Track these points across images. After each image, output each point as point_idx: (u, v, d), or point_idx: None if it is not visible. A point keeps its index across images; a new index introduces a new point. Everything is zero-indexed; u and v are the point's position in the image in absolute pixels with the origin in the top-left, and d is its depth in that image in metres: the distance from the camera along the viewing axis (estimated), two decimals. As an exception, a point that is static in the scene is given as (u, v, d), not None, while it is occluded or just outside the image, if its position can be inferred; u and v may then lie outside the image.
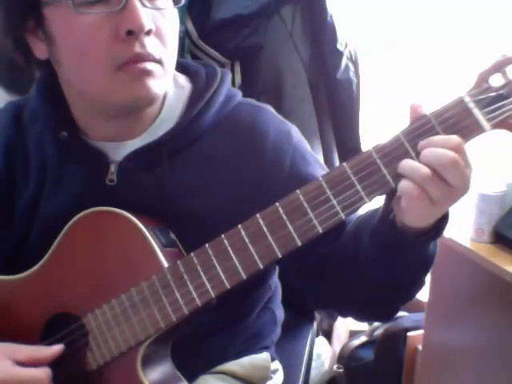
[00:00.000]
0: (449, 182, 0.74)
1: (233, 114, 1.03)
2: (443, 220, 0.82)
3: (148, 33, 0.90)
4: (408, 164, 0.76)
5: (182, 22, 1.68)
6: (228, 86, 1.05)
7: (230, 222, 0.88)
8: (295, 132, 1.05)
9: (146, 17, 0.88)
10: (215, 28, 1.67)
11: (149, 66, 0.91)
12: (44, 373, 0.93)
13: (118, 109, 0.96)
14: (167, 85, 0.97)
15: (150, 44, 0.90)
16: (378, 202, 0.84)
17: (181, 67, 1.06)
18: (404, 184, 0.76)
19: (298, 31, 1.73)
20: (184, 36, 1.69)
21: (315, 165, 1.03)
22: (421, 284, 0.92)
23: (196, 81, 1.04)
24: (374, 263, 0.88)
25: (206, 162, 1.00)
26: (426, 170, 0.74)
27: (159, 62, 0.92)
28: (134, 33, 0.88)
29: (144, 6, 0.89)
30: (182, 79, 1.05)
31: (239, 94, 1.07)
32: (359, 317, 1.05)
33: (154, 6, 0.91)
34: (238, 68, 1.73)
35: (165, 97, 1.02)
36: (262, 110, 1.06)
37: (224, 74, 1.06)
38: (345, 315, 1.03)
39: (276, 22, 1.71)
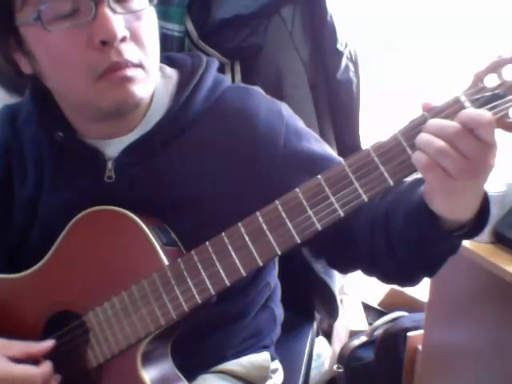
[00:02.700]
0: (464, 153, 0.72)
1: (222, 98, 1.03)
2: (481, 218, 0.81)
3: (123, 40, 0.89)
4: (423, 137, 0.74)
5: (182, 22, 1.67)
6: (214, 72, 1.05)
7: (229, 207, 0.88)
8: (286, 110, 1.06)
9: (118, 24, 0.88)
10: (215, 28, 1.67)
11: (129, 72, 0.90)
12: (37, 370, 0.93)
13: (106, 114, 0.96)
14: (152, 86, 0.97)
15: (127, 50, 0.90)
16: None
17: (168, 60, 1.07)
18: (418, 156, 0.74)
19: (298, 31, 1.73)
20: (184, 36, 1.68)
21: (310, 139, 1.03)
22: (443, 264, 0.91)
23: (182, 70, 1.05)
24: (404, 244, 0.87)
25: (200, 148, 1.01)
26: (439, 142, 0.72)
27: (139, 65, 0.92)
28: (108, 42, 0.88)
29: (115, 12, 0.88)
30: (169, 70, 1.06)
31: (227, 80, 1.07)
32: (384, 281, 1.03)
33: (127, 10, 0.90)
34: (237, 68, 1.72)
35: (154, 90, 1.02)
36: (251, 91, 1.06)
37: (210, 60, 1.06)
38: (369, 276, 1.02)
39: (276, 22, 1.71)
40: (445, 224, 0.81)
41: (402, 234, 0.86)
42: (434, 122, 0.74)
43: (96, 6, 0.87)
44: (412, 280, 0.96)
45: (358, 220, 0.93)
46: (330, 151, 1.03)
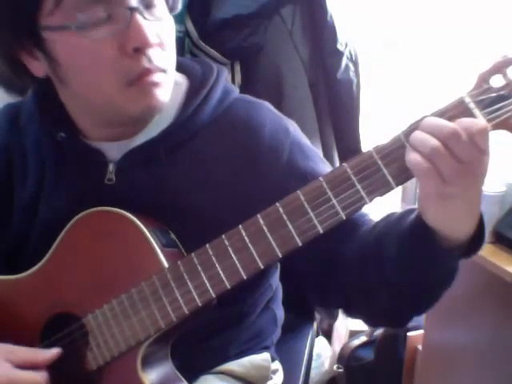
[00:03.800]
0: (458, 156, 0.72)
1: (229, 109, 1.03)
2: (478, 239, 0.81)
3: (153, 46, 0.90)
4: (418, 136, 0.74)
5: (182, 22, 1.68)
6: (224, 83, 1.05)
7: (229, 218, 0.88)
8: (293, 127, 1.05)
9: (150, 31, 0.89)
10: (215, 28, 1.67)
11: (156, 77, 0.92)
12: (42, 377, 0.93)
13: (129, 119, 0.97)
14: (170, 90, 0.97)
15: (156, 56, 0.91)
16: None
17: (176, 65, 1.07)
18: (412, 156, 0.74)
19: (298, 31, 1.73)
20: (184, 36, 1.69)
21: (315, 159, 1.02)
22: (439, 298, 0.90)
23: (192, 78, 1.05)
24: (399, 272, 0.85)
25: (204, 159, 1.00)
26: (435, 142, 0.72)
27: (164, 71, 0.93)
28: (140, 49, 0.89)
29: (146, 19, 0.89)
30: (178, 76, 1.05)
31: (236, 90, 1.07)
32: (369, 320, 1.01)
33: (154, 18, 0.91)
34: (237, 68, 1.73)
35: None
36: (258, 105, 1.06)
37: (220, 70, 1.06)
38: (353, 316, 1.02)
39: (276, 22, 1.71)
40: (439, 242, 0.80)
41: (395, 259, 0.85)
42: (430, 122, 0.74)
43: (131, 13, 0.88)
44: (400, 316, 0.94)
45: (348, 249, 0.93)
46: None
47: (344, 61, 1.75)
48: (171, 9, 0.96)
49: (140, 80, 0.91)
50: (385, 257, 0.86)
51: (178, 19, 1.67)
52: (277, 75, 1.73)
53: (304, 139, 1.06)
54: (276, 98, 1.71)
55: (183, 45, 1.69)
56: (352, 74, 1.78)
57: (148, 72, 0.91)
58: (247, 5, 1.66)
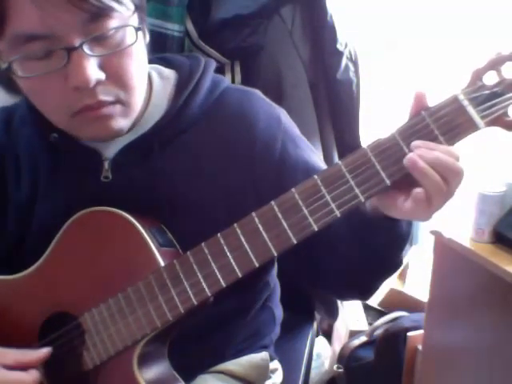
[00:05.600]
0: (451, 190, 0.77)
1: (221, 100, 1.03)
2: None
3: (98, 82, 0.87)
4: (424, 169, 0.77)
5: (182, 21, 1.67)
6: (212, 73, 1.05)
7: (227, 209, 0.89)
8: (284, 116, 1.06)
9: (91, 70, 0.84)
10: (215, 28, 1.67)
11: (104, 110, 0.90)
12: (30, 376, 0.92)
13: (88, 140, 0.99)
14: (133, 114, 0.96)
15: (102, 91, 0.88)
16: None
17: (165, 61, 1.07)
18: (417, 191, 0.77)
19: (298, 31, 1.73)
20: (184, 36, 1.68)
21: (306, 148, 1.03)
22: (398, 264, 0.94)
23: (180, 71, 1.05)
24: (348, 245, 0.90)
25: (198, 150, 1.00)
26: (438, 178, 0.76)
27: (117, 102, 0.91)
28: (80, 88, 0.86)
29: (90, 55, 0.85)
30: (167, 71, 1.05)
31: (226, 80, 1.07)
32: (340, 295, 1.08)
33: (107, 50, 0.87)
34: (237, 68, 1.72)
35: (151, 90, 1.02)
36: (251, 94, 1.06)
37: (208, 61, 1.06)
38: (328, 294, 1.06)
39: (276, 22, 1.71)
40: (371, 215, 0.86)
41: (345, 235, 0.91)
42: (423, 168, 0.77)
43: (69, 53, 0.84)
44: (363, 288, 1.00)
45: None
46: (322, 165, 1.03)
47: (344, 61, 1.75)
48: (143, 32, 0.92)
49: (85, 112, 0.89)
50: (335, 233, 0.91)
51: (178, 19, 1.67)
52: (277, 75, 1.73)
53: (295, 128, 1.07)
54: (276, 97, 1.69)
55: (183, 45, 1.69)
56: (352, 74, 1.77)
57: (90, 108, 0.88)
58: (247, 5, 1.66)
